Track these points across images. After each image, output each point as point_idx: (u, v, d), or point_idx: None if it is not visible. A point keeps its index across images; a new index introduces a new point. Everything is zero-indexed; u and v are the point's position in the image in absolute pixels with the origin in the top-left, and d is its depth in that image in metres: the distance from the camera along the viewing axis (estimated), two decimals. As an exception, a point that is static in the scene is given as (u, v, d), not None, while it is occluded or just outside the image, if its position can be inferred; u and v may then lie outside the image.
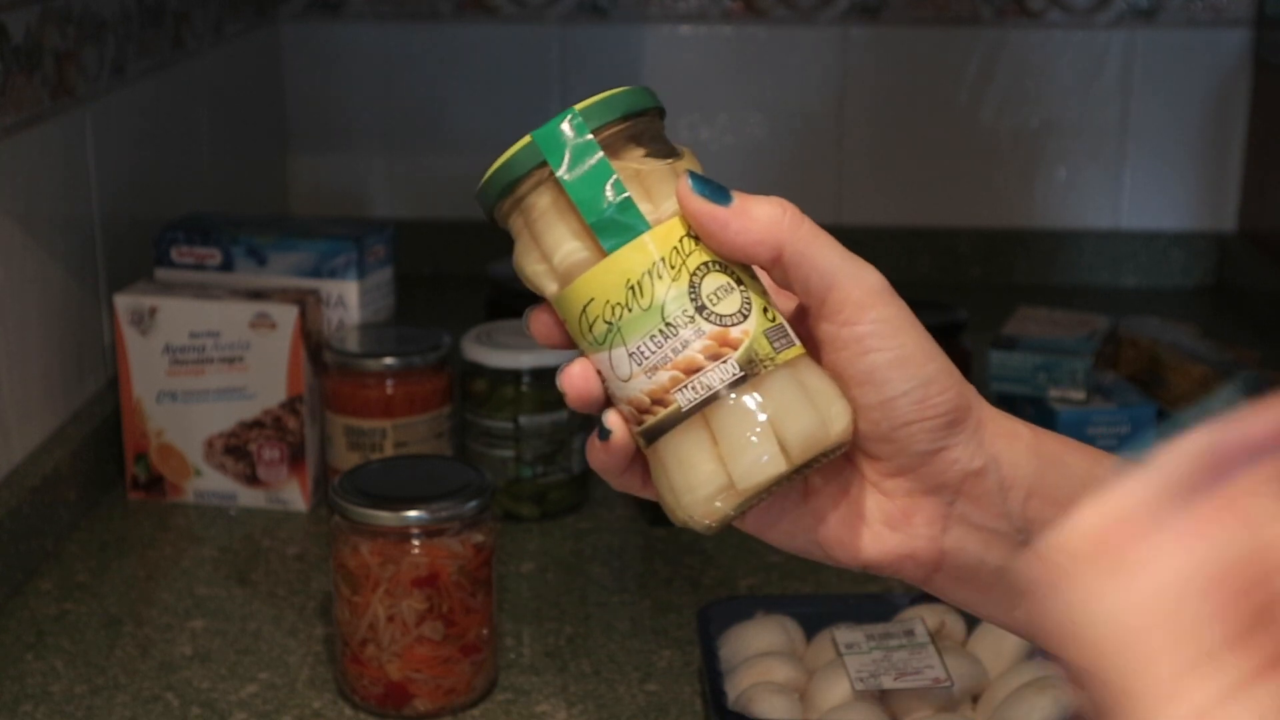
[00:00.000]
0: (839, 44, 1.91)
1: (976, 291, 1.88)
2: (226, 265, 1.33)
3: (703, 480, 0.55)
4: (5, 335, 1.16)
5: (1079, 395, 1.31)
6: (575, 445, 1.27)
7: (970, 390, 0.57)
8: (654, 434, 0.56)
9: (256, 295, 1.26)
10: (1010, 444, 0.57)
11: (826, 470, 0.58)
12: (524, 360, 1.24)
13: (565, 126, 0.55)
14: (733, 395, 0.55)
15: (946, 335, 1.48)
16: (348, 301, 1.31)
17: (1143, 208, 1.94)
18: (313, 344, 1.27)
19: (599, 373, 0.56)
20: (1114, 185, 1.94)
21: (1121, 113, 1.91)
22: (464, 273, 1.88)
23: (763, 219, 0.55)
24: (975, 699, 0.93)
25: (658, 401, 0.55)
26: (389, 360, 1.23)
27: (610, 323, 0.55)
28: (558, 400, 1.26)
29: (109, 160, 1.36)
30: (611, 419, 0.57)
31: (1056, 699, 0.88)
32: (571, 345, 0.58)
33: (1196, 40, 1.89)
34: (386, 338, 1.28)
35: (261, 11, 1.87)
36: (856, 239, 0.56)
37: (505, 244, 0.57)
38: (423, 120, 1.96)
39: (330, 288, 1.31)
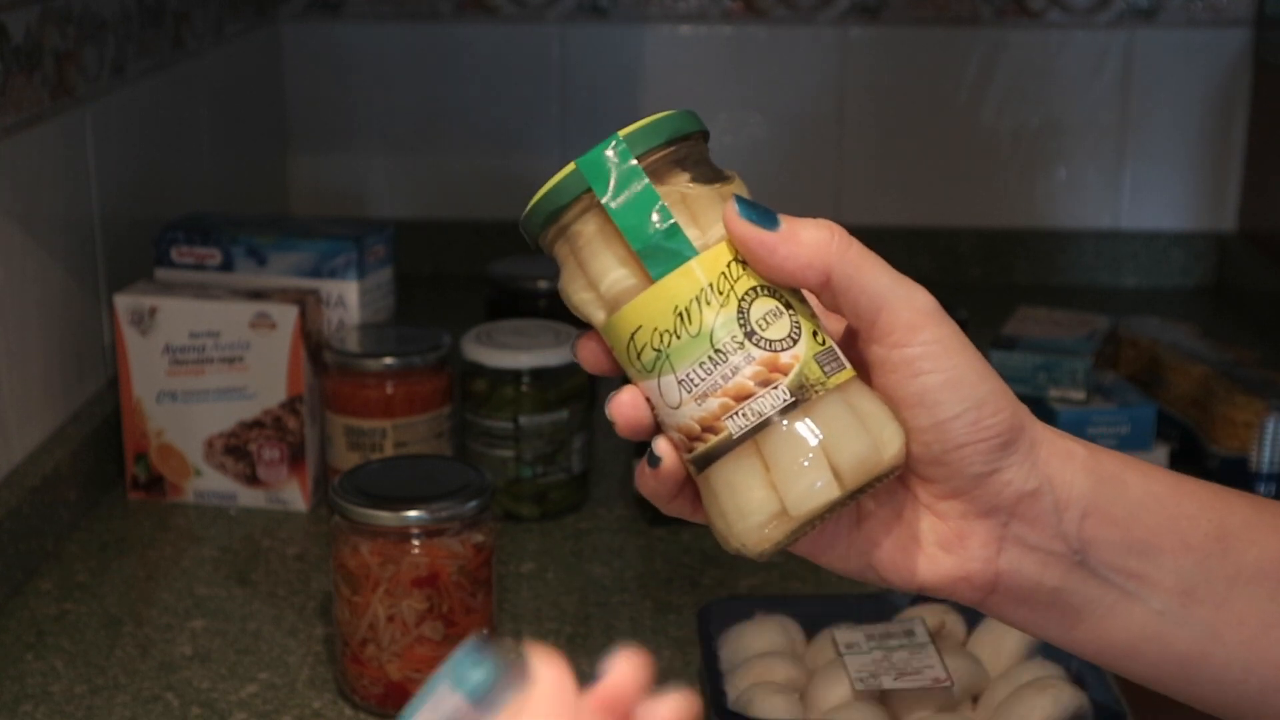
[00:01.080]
0: (839, 44, 1.91)
1: (976, 291, 1.88)
2: (226, 265, 1.33)
3: (755, 507, 0.55)
4: (5, 335, 1.16)
5: (1079, 395, 1.31)
6: (575, 445, 1.27)
7: (1023, 410, 0.57)
8: (705, 461, 0.55)
9: (256, 295, 1.26)
10: (1065, 464, 0.57)
11: (879, 494, 0.58)
12: (524, 360, 1.24)
13: (609, 153, 0.55)
14: (784, 421, 0.54)
15: (946, 335, 1.48)
16: (348, 301, 1.31)
17: (1143, 208, 1.94)
18: (313, 344, 1.27)
19: (648, 400, 0.56)
20: (1114, 185, 1.94)
21: (1121, 113, 1.91)
22: (464, 273, 1.88)
23: (811, 242, 0.55)
24: (975, 699, 0.93)
25: (708, 429, 0.55)
26: (389, 360, 1.23)
27: (659, 350, 0.55)
28: (558, 400, 1.26)
29: (109, 160, 1.36)
30: (661, 446, 0.56)
31: (1056, 699, 0.88)
32: (619, 372, 0.58)
33: (1196, 40, 1.89)
34: (386, 338, 1.28)
35: (261, 11, 1.87)
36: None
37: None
38: (423, 120, 1.95)
39: (330, 288, 1.31)
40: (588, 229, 0.56)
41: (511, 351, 1.25)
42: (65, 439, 1.24)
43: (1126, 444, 1.29)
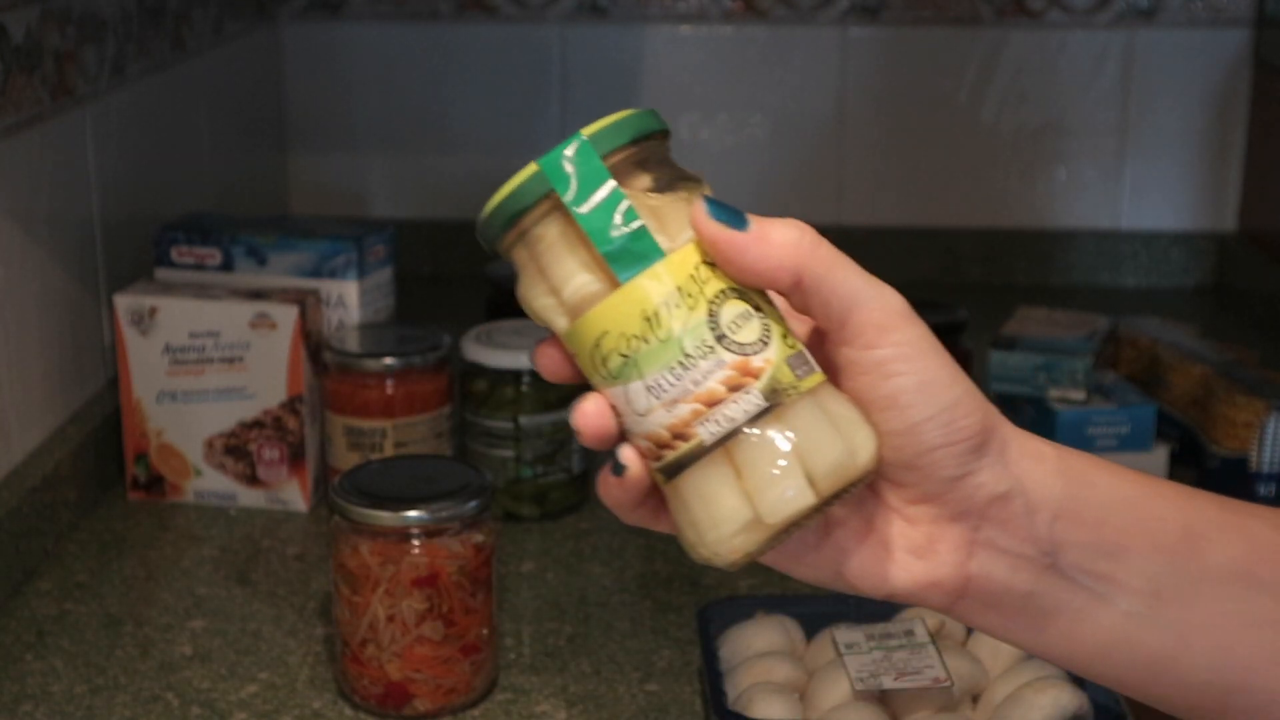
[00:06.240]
0: (839, 44, 1.91)
1: (976, 291, 1.87)
2: (226, 265, 1.33)
3: (727, 516, 0.53)
4: (5, 335, 1.16)
5: (1079, 395, 1.31)
6: (575, 445, 1.27)
7: (993, 412, 0.56)
8: (674, 469, 0.54)
9: (256, 295, 1.26)
10: (1036, 465, 0.56)
11: (848, 501, 0.57)
12: (524, 360, 1.24)
13: (572, 153, 0.53)
14: (756, 428, 0.53)
15: (946, 335, 1.48)
16: (348, 301, 1.31)
17: (1143, 208, 1.94)
18: (313, 344, 1.27)
19: (613, 407, 0.55)
20: (1114, 185, 1.94)
21: (1121, 113, 1.91)
22: (464, 273, 1.88)
23: (782, 242, 0.54)
24: (975, 699, 0.93)
25: (678, 435, 0.53)
26: (389, 360, 1.23)
27: (626, 355, 0.53)
28: (558, 400, 1.26)
29: (109, 160, 1.36)
30: (627, 454, 0.55)
31: (1056, 699, 0.88)
32: (581, 379, 0.56)
33: (1196, 40, 1.89)
34: (386, 338, 1.28)
35: (261, 11, 1.87)
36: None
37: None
38: (423, 120, 1.96)
39: (330, 288, 1.31)
40: (550, 232, 0.54)
41: (511, 351, 1.25)
42: (65, 439, 1.24)
43: (1126, 444, 1.29)
